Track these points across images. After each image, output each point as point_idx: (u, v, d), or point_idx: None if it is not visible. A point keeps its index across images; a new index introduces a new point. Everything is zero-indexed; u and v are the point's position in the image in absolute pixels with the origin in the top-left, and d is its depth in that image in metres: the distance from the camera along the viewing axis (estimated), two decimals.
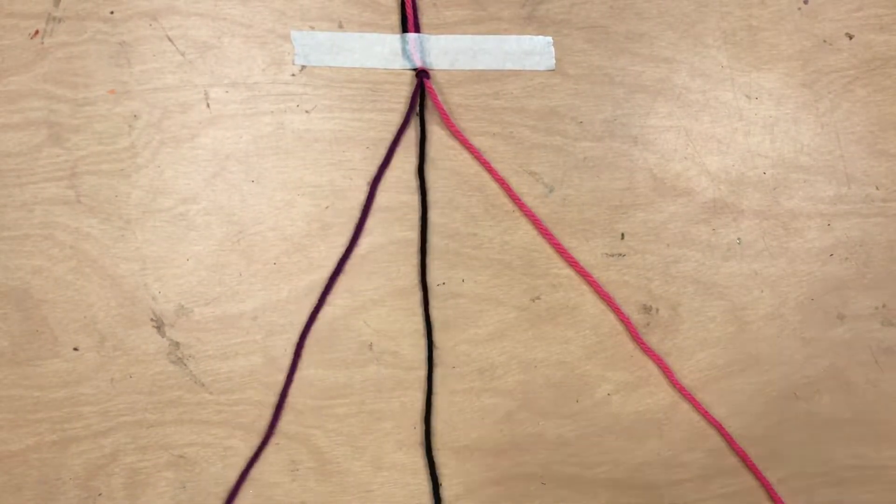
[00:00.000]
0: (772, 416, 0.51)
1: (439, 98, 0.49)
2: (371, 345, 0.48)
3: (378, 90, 0.49)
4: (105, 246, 0.46)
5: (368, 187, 0.48)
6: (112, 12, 0.48)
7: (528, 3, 0.51)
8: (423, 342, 0.48)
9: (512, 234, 0.49)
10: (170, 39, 0.48)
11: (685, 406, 0.50)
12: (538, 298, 0.49)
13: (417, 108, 0.49)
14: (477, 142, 0.50)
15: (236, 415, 0.46)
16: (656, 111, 0.51)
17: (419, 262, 0.48)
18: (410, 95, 0.49)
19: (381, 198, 0.49)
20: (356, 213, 0.48)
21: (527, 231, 0.50)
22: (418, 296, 0.48)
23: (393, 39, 0.50)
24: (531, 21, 0.51)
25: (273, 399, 0.46)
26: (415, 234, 0.49)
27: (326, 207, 0.48)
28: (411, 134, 0.50)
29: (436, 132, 0.50)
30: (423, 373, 0.48)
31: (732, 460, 0.50)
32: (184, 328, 0.46)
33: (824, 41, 0.53)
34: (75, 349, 0.45)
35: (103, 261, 0.46)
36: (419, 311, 0.48)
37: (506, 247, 0.49)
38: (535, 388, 0.49)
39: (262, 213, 0.48)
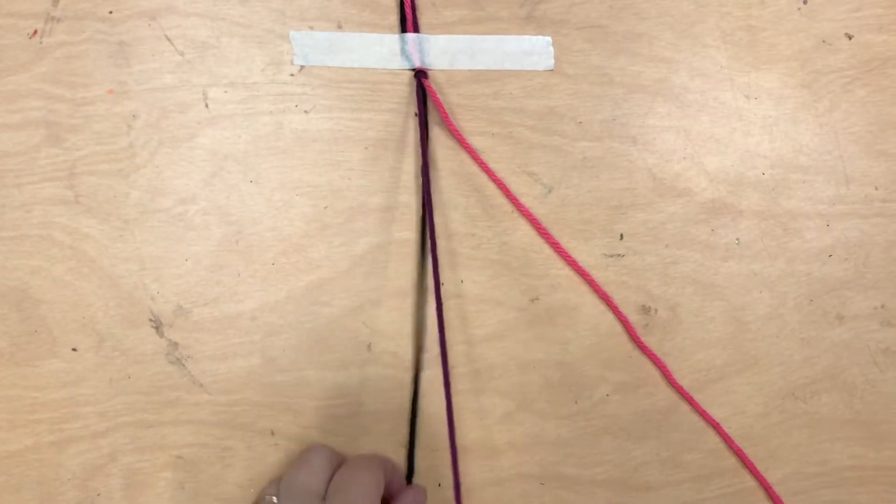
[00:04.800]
0: (771, 417, 0.51)
1: (440, 98, 0.49)
2: (370, 345, 0.48)
3: (377, 90, 0.49)
4: (104, 246, 0.46)
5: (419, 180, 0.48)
6: (111, 12, 0.48)
7: (526, 2, 0.51)
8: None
9: (510, 235, 0.49)
10: (168, 39, 0.48)
11: (684, 406, 0.50)
12: (537, 299, 0.49)
13: (417, 109, 0.49)
14: (476, 142, 0.50)
15: (235, 415, 0.46)
16: (655, 111, 0.51)
17: (418, 263, 0.48)
18: (409, 95, 0.49)
19: (378, 198, 0.49)
20: (354, 214, 0.48)
21: (525, 231, 0.50)
22: (416, 297, 0.48)
23: (392, 39, 0.50)
24: (530, 21, 0.51)
25: (271, 399, 0.46)
26: (413, 235, 0.49)
27: (325, 207, 0.48)
28: (409, 135, 0.50)
29: (433, 132, 0.50)
30: (421, 373, 0.48)
31: (731, 461, 0.50)
32: (182, 328, 0.46)
33: (823, 41, 0.53)
34: (74, 349, 0.45)
35: (102, 261, 0.46)
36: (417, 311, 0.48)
37: (504, 247, 0.49)
38: (533, 388, 0.49)
39: (261, 213, 0.48)
